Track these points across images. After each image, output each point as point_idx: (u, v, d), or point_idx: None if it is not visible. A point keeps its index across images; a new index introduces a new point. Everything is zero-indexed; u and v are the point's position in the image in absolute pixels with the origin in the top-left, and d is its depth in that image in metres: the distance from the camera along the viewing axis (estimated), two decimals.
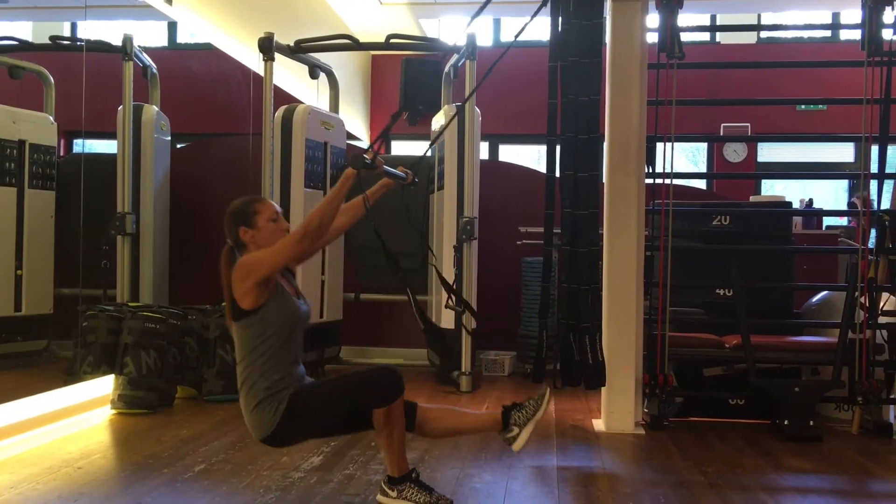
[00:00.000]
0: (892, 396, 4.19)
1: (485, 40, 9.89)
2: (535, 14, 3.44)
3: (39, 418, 4.01)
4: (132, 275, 5.57)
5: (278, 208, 2.87)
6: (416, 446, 3.70)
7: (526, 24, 3.43)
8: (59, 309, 5.57)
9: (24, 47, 5.81)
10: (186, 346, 4.86)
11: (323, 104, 6.22)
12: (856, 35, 4.41)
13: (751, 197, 6.97)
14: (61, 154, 6.08)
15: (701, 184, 7.54)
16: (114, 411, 4.42)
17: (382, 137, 2.92)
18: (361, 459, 3.47)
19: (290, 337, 2.77)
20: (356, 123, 9.47)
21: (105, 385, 4.50)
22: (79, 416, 4.26)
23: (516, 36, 3.43)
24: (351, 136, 7.90)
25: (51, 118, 5.76)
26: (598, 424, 4.28)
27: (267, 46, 5.33)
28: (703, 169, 10.03)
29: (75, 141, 6.45)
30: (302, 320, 2.84)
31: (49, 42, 5.82)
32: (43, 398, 4.11)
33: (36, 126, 5.61)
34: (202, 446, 3.70)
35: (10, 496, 2.97)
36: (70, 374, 4.65)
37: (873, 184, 4.35)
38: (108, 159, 5.71)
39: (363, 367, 2.87)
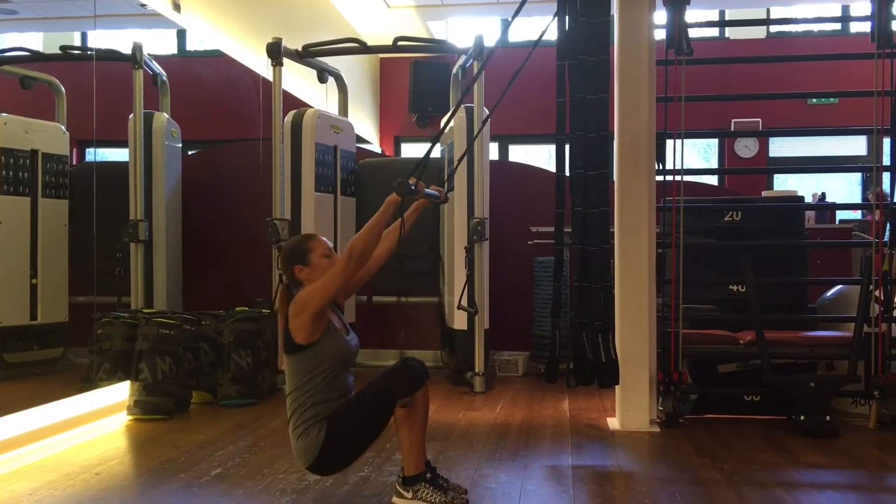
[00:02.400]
0: None
1: (493, 41, 9.88)
2: (554, 17, 3.43)
3: (56, 425, 4.04)
4: (146, 281, 5.60)
5: (330, 244, 2.94)
6: (431, 447, 3.69)
7: (545, 28, 3.42)
8: (75, 317, 5.62)
9: (35, 58, 5.86)
10: (201, 351, 4.88)
11: (332, 108, 6.24)
12: (866, 27, 4.39)
13: (763, 192, 6.93)
14: (74, 163, 6.12)
15: (712, 180, 7.52)
16: (130, 417, 4.45)
17: (423, 164, 2.93)
18: (376, 461, 3.47)
19: (340, 373, 2.86)
20: (365, 126, 9.49)
21: (121, 391, 4.53)
22: (95, 423, 4.29)
23: (536, 42, 3.42)
24: (360, 140, 7.92)
25: (62, 127, 5.80)
26: (613, 423, 4.27)
27: (275, 51, 5.35)
28: (714, 165, 9.99)
29: (87, 150, 6.49)
30: (352, 357, 2.93)
31: (59, 52, 5.86)
32: (60, 405, 4.14)
33: (48, 136, 5.65)
34: (218, 451, 3.71)
35: (28, 503, 2.99)
36: (86, 381, 4.69)
37: (886, 176, 4.32)
38: (120, 167, 5.74)
39: (385, 379, 2.88)
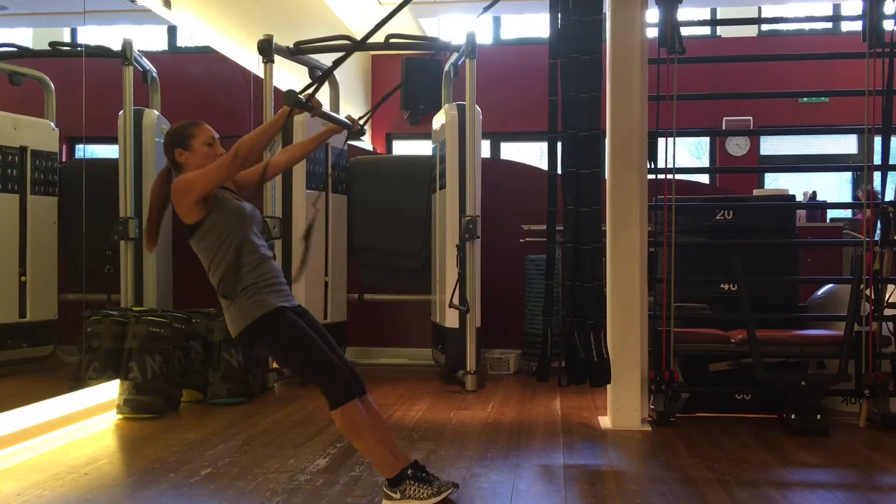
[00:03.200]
0: None
1: (485, 38, 9.88)
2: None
3: (45, 424, 4.01)
4: (136, 279, 5.56)
5: (216, 134, 2.94)
6: (422, 447, 3.70)
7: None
8: (64, 315, 5.58)
9: (24, 54, 5.81)
10: (191, 349, 4.86)
11: (323, 105, 6.21)
12: (857, 26, 4.40)
13: (754, 191, 6.96)
14: (63, 160, 6.08)
15: (704, 178, 7.53)
16: (119, 416, 4.42)
17: (323, 81, 2.94)
18: (367, 461, 3.45)
19: (245, 233, 2.85)
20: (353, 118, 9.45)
21: (110, 390, 4.50)
22: (85, 422, 4.27)
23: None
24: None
25: (52, 124, 5.76)
26: (605, 422, 4.27)
27: (266, 48, 5.33)
28: (705, 163, 10.01)
29: (77, 146, 6.45)
30: (248, 215, 2.90)
31: (49, 48, 5.81)
32: (48, 404, 4.12)
33: (37, 132, 5.61)
34: (208, 450, 3.69)
35: (17, 503, 2.97)
36: (75, 380, 4.65)
37: (876, 175, 4.33)
38: (110, 164, 5.71)
39: (333, 360, 2.82)
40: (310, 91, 2.84)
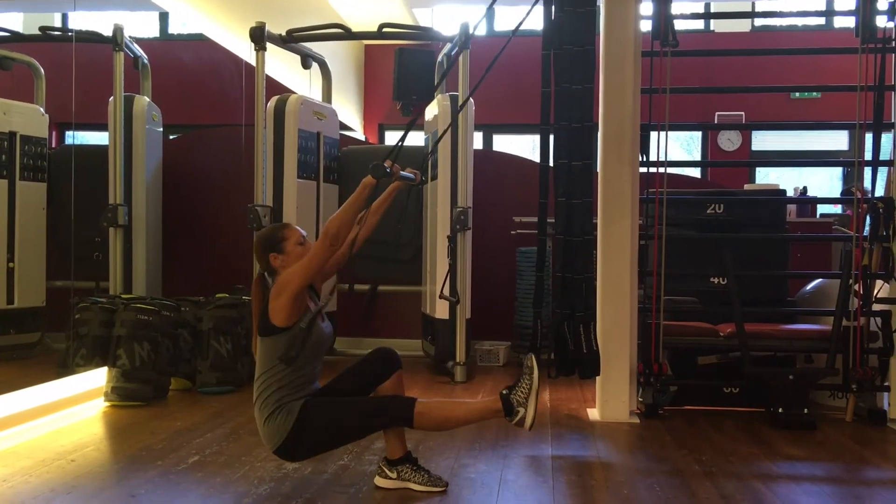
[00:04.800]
0: (886, 384, 4.19)
1: (479, 29, 9.85)
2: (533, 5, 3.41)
3: (32, 411, 4.00)
4: (125, 267, 5.54)
5: (304, 232, 2.99)
6: (410, 437, 3.66)
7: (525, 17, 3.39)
8: (52, 301, 5.56)
9: (13, 38, 5.77)
10: (180, 337, 4.84)
11: (315, 94, 6.19)
12: (850, 22, 4.40)
13: (745, 185, 6.97)
14: (52, 146, 6.05)
15: (695, 172, 7.54)
16: (107, 404, 4.41)
17: (399, 147, 2.96)
18: (356, 450, 3.46)
19: (312, 357, 2.89)
20: (349, 113, 9.44)
21: (98, 377, 4.48)
22: (72, 409, 4.25)
23: (514, 30, 3.39)
24: (344, 126, 7.88)
25: (41, 109, 5.72)
26: (593, 413, 4.28)
27: (259, 36, 5.30)
28: (697, 157, 10.03)
29: (66, 132, 6.41)
30: (326, 342, 2.96)
31: (39, 33, 5.77)
32: (36, 391, 4.10)
33: (26, 117, 5.58)
34: (196, 438, 3.69)
35: (2, 489, 2.95)
36: (63, 367, 4.64)
37: (867, 171, 4.35)
38: (100, 151, 5.68)
39: (371, 401, 2.96)
40: (392, 160, 2.88)
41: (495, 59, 3.25)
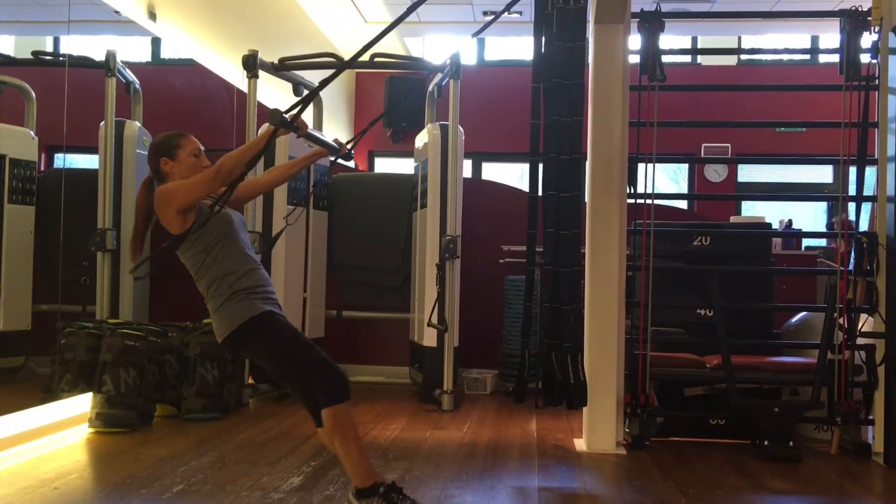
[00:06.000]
0: (871, 417, 4.21)
1: (469, 59, 9.94)
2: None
3: (15, 437, 3.96)
4: (112, 291, 5.51)
5: (201, 146, 2.97)
6: (397, 466, 3.69)
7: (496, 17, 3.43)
8: (38, 325, 5.50)
9: (5, 62, 5.77)
10: (166, 363, 4.82)
11: (307, 121, 6.21)
12: (834, 58, 4.48)
13: (731, 217, 7.02)
14: (42, 169, 6.03)
15: (682, 204, 7.59)
16: (91, 430, 4.37)
17: (308, 101, 2.83)
18: (342, 480, 3.44)
19: (232, 238, 2.87)
20: (340, 140, 9.46)
21: (83, 403, 4.45)
22: (56, 435, 4.21)
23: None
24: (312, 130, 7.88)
25: (31, 133, 5.71)
26: (580, 444, 4.28)
27: (251, 63, 5.33)
28: (684, 188, 10.11)
29: (56, 156, 6.40)
30: (232, 222, 2.91)
31: (31, 57, 5.78)
32: (19, 416, 4.06)
33: (16, 140, 5.56)
34: (181, 466, 3.66)
35: None
36: (47, 392, 4.59)
37: (851, 206, 4.40)
38: (90, 175, 5.67)
39: (325, 358, 2.84)
40: (295, 111, 2.79)
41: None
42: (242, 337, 2.79)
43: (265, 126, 2.80)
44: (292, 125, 2.78)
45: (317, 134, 3.00)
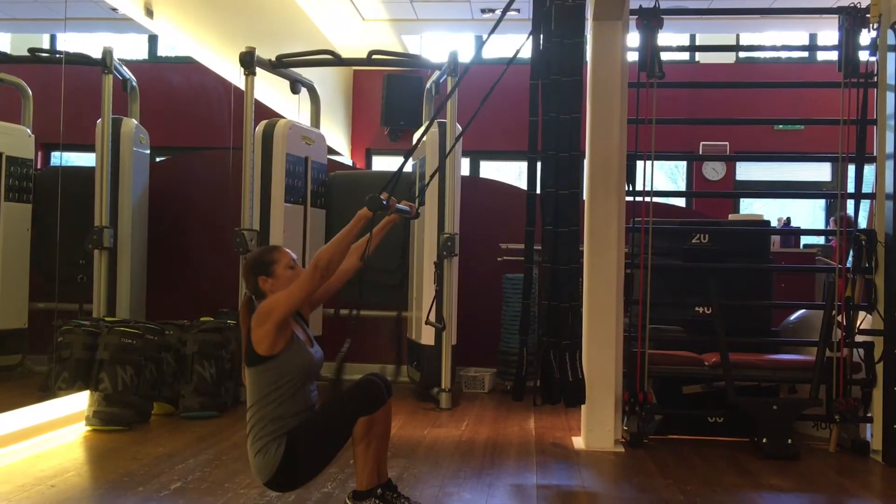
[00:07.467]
0: (869, 415, 4.21)
1: (467, 57, 9.92)
2: (529, 36, 3.44)
3: (12, 435, 3.94)
4: (109, 289, 5.50)
5: (294, 256, 2.91)
6: (395, 464, 3.68)
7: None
8: (34, 323, 5.50)
9: (2, 59, 5.77)
10: (163, 361, 4.80)
11: (304, 119, 6.21)
12: (833, 56, 4.47)
13: (729, 215, 7.01)
14: (38, 167, 6.02)
15: (680, 202, 7.59)
16: (88, 428, 4.36)
17: (395, 179, 2.89)
18: (340, 477, 3.43)
19: (303, 385, 2.81)
20: (337, 138, 9.46)
21: (80, 401, 4.44)
22: (53, 433, 4.20)
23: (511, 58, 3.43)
24: (332, 151, 7.90)
25: (28, 130, 5.71)
26: (578, 442, 4.27)
27: (248, 61, 5.32)
28: (682, 186, 10.11)
29: (53, 154, 6.39)
30: (315, 368, 2.88)
31: (28, 54, 5.77)
32: (16, 414, 4.05)
33: (13, 138, 5.56)
34: (178, 464, 3.65)
35: None
36: (44, 390, 4.59)
37: (850, 203, 4.40)
38: (86, 172, 5.66)
39: (348, 384, 2.87)
40: (388, 194, 2.79)
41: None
42: (287, 471, 2.75)
43: (361, 212, 2.73)
44: (388, 207, 2.78)
45: (401, 206, 2.96)
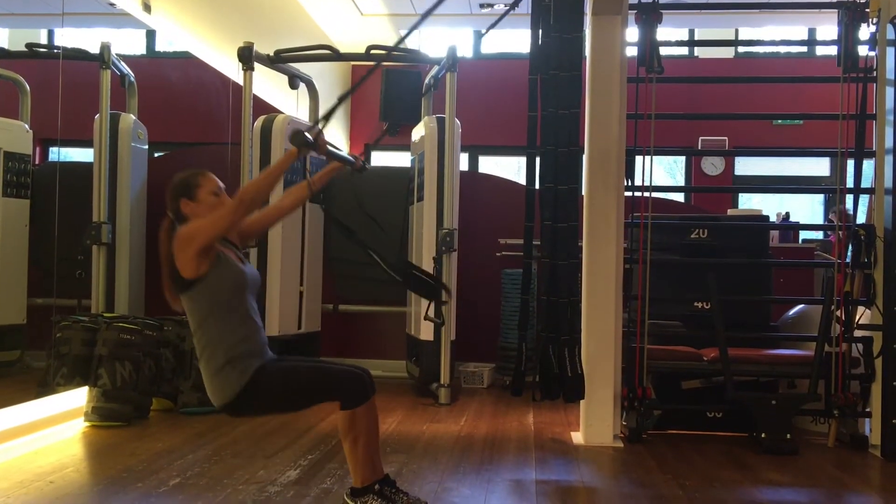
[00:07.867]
0: (868, 410, 4.21)
1: (465, 51, 9.91)
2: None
3: (11, 431, 3.94)
4: (107, 285, 5.49)
5: (221, 184, 2.85)
6: (394, 459, 3.68)
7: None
8: (33, 319, 5.49)
9: None
10: (162, 357, 4.80)
11: (303, 114, 6.20)
12: (832, 50, 4.47)
13: (728, 210, 7.02)
14: (36, 162, 6.00)
15: (679, 197, 7.59)
16: (87, 424, 4.35)
17: (327, 117, 2.78)
18: (339, 473, 3.43)
19: (241, 300, 2.74)
20: (336, 133, 9.45)
21: (78, 397, 4.43)
22: (51, 429, 4.20)
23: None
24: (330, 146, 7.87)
25: (26, 126, 5.69)
26: (577, 437, 4.27)
27: (246, 56, 5.31)
28: (681, 181, 10.09)
29: (51, 149, 6.38)
30: (249, 282, 2.80)
31: (25, 49, 5.75)
32: (15, 410, 4.04)
33: (10, 134, 5.54)
34: (177, 460, 3.65)
35: None
36: (43, 386, 4.58)
37: (849, 198, 4.39)
38: (84, 168, 5.64)
39: (335, 365, 2.83)
40: (316, 130, 2.70)
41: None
42: (241, 403, 2.69)
43: (289, 150, 2.67)
44: (315, 145, 2.70)
45: (336, 151, 2.90)
